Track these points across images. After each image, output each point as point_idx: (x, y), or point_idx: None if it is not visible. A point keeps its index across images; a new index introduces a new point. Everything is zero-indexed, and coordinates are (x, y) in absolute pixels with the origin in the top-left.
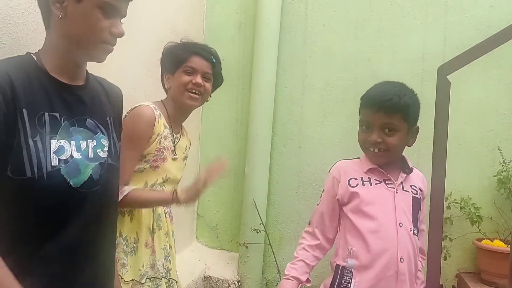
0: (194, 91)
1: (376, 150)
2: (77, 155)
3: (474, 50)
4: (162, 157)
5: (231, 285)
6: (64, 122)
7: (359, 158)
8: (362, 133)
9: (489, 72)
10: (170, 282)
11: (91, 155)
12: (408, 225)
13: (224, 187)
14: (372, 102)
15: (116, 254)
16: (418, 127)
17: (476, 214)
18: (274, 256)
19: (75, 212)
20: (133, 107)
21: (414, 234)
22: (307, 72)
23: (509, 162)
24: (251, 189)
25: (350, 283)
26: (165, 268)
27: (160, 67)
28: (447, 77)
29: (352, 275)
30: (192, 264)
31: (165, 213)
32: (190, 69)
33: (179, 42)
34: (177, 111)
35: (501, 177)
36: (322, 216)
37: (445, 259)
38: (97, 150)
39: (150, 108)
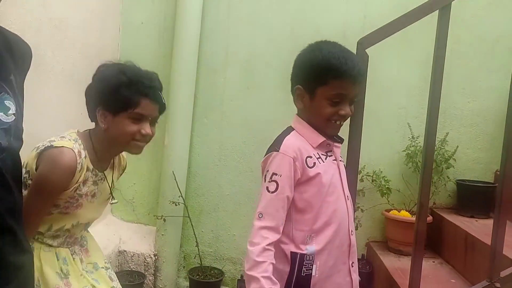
0: (141, 140)
1: (341, 123)
2: None
3: (390, 26)
4: (75, 205)
5: (148, 259)
6: None
7: (289, 132)
8: (330, 107)
9: (403, 52)
10: None
11: None
12: (350, 196)
13: (142, 158)
14: (349, 74)
15: None
16: None
17: (386, 186)
18: (193, 229)
19: None
20: (51, 144)
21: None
22: (231, 42)
23: (417, 138)
24: (171, 161)
25: (312, 269)
26: None
27: (88, 93)
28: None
29: (313, 261)
30: (106, 238)
31: (72, 254)
32: (139, 116)
33: (114, 63)
34: (111, 152)
35: (410, 152)
36: (283, 206)
37: (356, 229)
38: (0, 114)
39: (72, 155)
